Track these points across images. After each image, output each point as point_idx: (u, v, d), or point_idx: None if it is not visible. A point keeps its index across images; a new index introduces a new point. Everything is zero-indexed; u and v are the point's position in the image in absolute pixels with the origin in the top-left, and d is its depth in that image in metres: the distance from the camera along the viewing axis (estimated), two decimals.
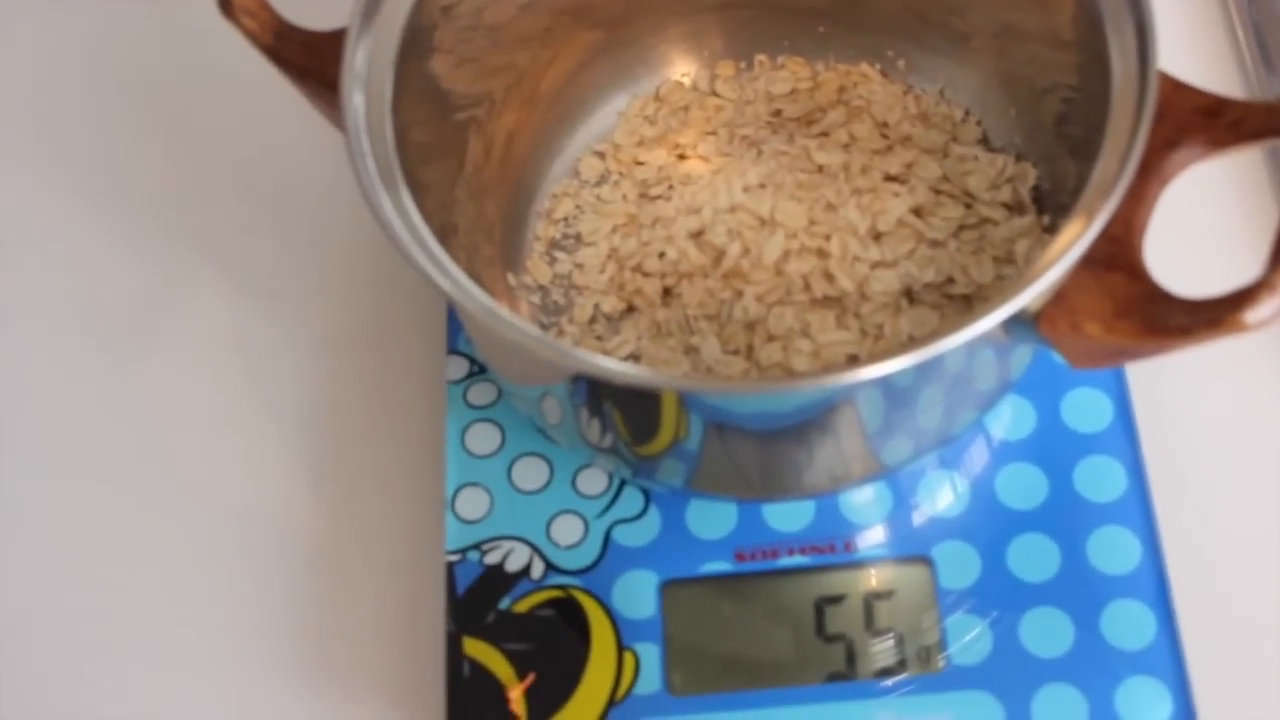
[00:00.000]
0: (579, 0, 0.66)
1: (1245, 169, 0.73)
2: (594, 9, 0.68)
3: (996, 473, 0.62)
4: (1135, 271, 0.50)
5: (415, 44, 0.58)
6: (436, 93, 0.61)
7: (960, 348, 0.47)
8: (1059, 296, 0.50)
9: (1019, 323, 0.49)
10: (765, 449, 0.56)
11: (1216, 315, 0.47)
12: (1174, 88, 0.53)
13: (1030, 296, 0.48)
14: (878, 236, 0.64)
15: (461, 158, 0.64)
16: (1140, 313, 0.49)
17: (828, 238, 0.64)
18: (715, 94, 0.72)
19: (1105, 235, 0.50)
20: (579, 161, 0.71)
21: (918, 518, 0.62)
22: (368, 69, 0.56)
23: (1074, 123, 0.61)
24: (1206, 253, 0.69)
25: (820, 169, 0.67)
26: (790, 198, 0.66)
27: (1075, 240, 0.49)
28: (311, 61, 0.58)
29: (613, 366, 0.48)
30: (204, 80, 0.80)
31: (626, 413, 0.55)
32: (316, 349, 0.72)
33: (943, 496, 0.62)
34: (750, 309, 0.63)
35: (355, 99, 0.54)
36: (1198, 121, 0.52)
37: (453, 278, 0.51)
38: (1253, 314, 0.46)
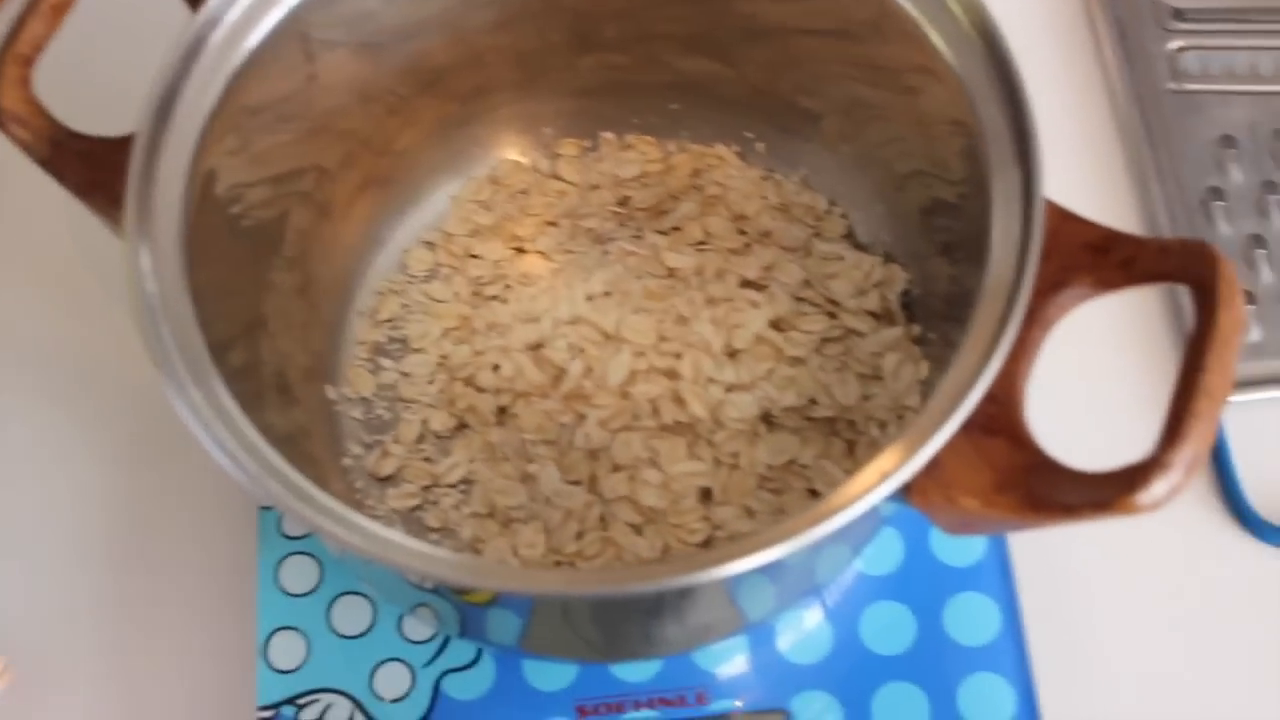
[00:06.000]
0: (427, 68, 0.60)
1: (1138, 305, 0.67)
2: (444, 80, 0.61)
3: (861, 612, 0.57)
4: (1017, 437, 0.45)
5: (216, 137, 0.51)
6: (239, 183, 0.54)
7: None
8: (933, 466, 0.45)
9: (888, 498, 0.44)
10: (608, 614, 0.50)
11: (1106, 495, 0.42)
12: (1060, 219, 0.48)
13: (903, 477, 0.43)
14: (733, 354, 0.59)
15: (279, 233, 0.58)
16: (1023, 486, 0.44)
17: (678, 356, 0.58)
18: (557, 176, 0.65)
19: (984, 395, 0.44)
20: (407, 254, 0.64)
21: (775, 665, 0.57)
22: (158, 181, 0.49)
23: (944, 217, 0.56)
24: (1096, 400, 0.64)
25: (671, 273, 0.61)
26: (638, 309, 0.60)
27: (952, 409, 0.44)
28: (95, 174, 0.51)
29: (423, 560, 0.42)
30: None
31: None
32: (107, 460, 0.65)
33: (802, 640, 0.57)
34: (593, 435, 0.57)
35: (142, 248, 0.47)
36: (1085, 259, 0.47)
37: (262, 467, 0.44)
38: (1145, 495, 0.42)
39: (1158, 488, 0.41)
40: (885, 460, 0.43)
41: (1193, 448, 0.42)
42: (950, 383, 0.45)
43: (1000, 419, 0.46)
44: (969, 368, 0.45)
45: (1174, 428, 0.42)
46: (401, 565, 0.42)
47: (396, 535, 0.43)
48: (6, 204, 0.71)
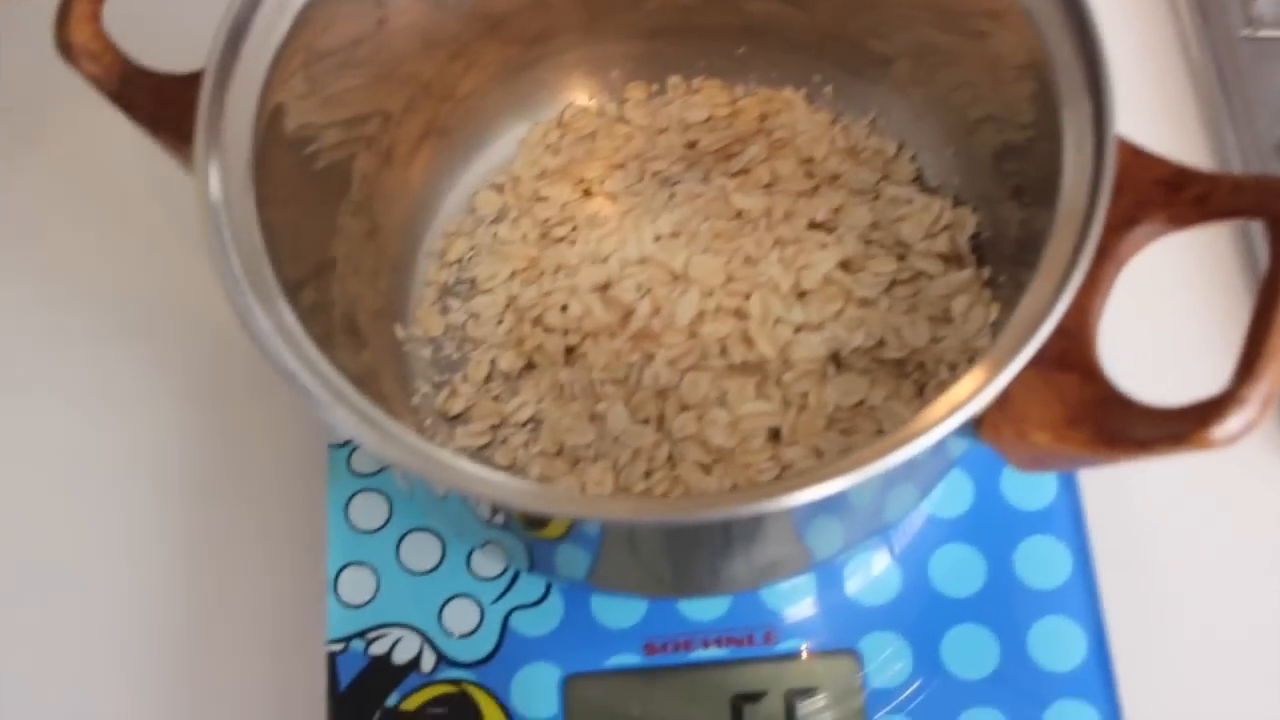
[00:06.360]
0: (492, 12, 0.60)
1: (1210, 245, 0.67)
2: (509, 23, 0.61)
3: (930, 555, 0.57)
4: (1089, 372, 0.45)
5: (284, 75, 0.51)
6: (309, 124, 0.54)
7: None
8: (1004, 400, 0.45)
9: (958, 430, 0.44)
10: (676, 548, 0.50)
11: (1179, 429, 0.42)
12: (1132, 155, 0.47)
13: (973, 409, 0.42)
14: (802, 295, 0.59)
15: (346, 177, 0.58)
16: (1094, 421, 0.44)
17: (747, 297, 0.58)
18: (624, 120, 0.66)
19: (1056, 329, 0.44)
20: (475, 196, 0.65)
21: (843, 605, 0.57)
22: (227, 114, 0.49)
23: (1015, 160, 0.55)
24: (1167, 341, 0.64)
25: (739, 215, 0.61)
26: (706, 249, 0.60)
27: (1024, 341, 0.43)
28: (164, 109, 0.51)
29: (494, 488, 0.42)
30: (65, 94, 0.72)
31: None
32: (176, 398, 0.66)
33: (870, 581, 0.57)
34: (661, 375, 0.57)
35: (210, 141, 0.48)
36: (1158, 195, 0.46)
37: (321, 383, 0.44)
38: (1220, 430, 0.41)
39: (1232, 423, 0.41)
40: (955, 393, 0.43)
41: (1269, 383, 0.41)
42: (1021, 316, 0.44)
43: (1072, 354, 0.45)
44: (1040, 301, 0.44)
45: (1249, 363, 0.42)
46: (474, 493, 0.42)
47: (467, 463, 0.43)
48: (84, 146, 0.72)
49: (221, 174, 0.48)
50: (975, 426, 0.45)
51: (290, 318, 0.46)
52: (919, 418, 0.43)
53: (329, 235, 0.57)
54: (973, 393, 0.43)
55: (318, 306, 0.53)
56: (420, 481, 0.50)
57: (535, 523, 0.49)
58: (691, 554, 0.50)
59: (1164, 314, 0.64)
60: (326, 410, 0.43)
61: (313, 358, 0.45)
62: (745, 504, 0.42)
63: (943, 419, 0.42)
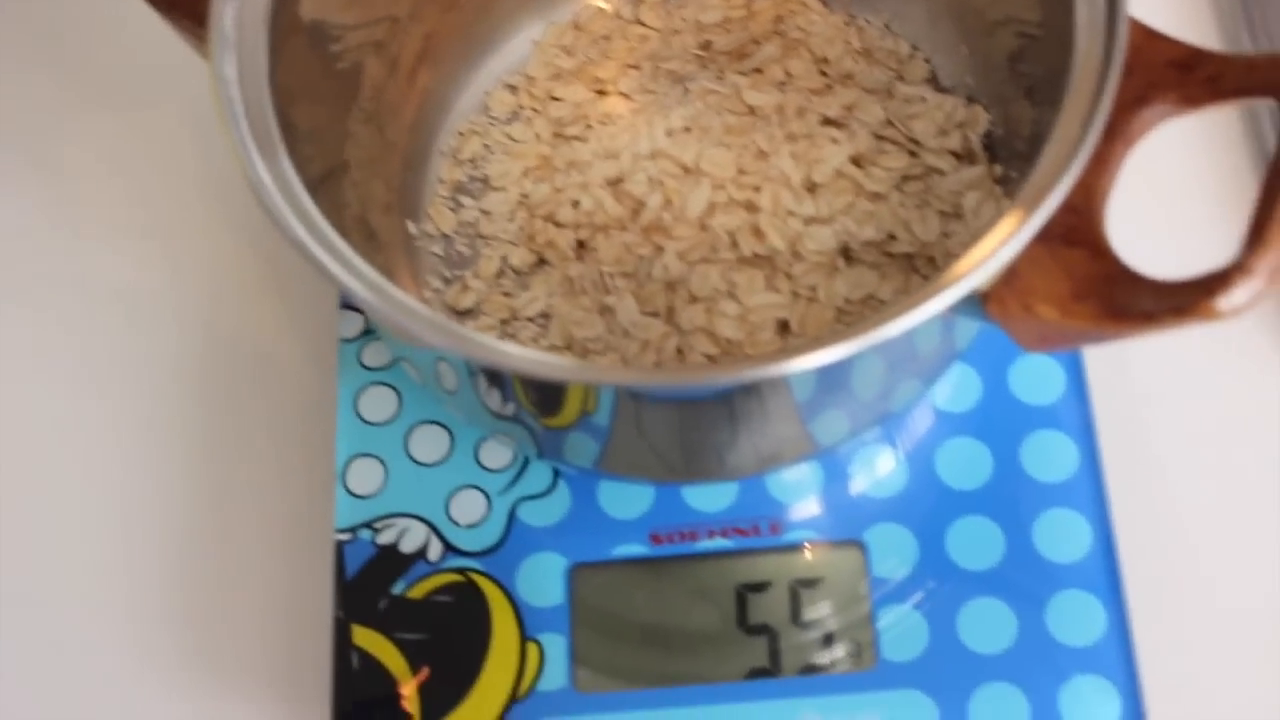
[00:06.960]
0: None
1: (1217, 128, 0.66)
2: None
3: (937, 448, 0.57)
4: (1097, 247, 0.45)
5: None
6: (323, 21, 0.54)
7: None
8: (1010, 275, 0.45)
9: (964, 304, 0.44)
10: (683, 429, 0.50)
11: (1185, 301, 0.42)
12: (1145, 37, 0.47)
13: (978, 280, 0.42)
14: (813, 189, 0.59)
15: (356, 83, 0.58)
16: (1101, 295, 0.44)
17: (758, 190, 0.58)
18: (640, 22, 0.66)
19: (1064, 205, 0.44)
20: (489, 96, 0.65)
21: (849, 497, 0.57)
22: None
23: (1030, 61, 0.55)
24: (1174, 224, 0.63)
25: (751, 111, 0.61)
26: (717, 144, 0.60)
27: (1030, 213, 0.43)
28: None
29: (512, 356, 0.43)
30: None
31: (528, 385, 0.49)
32: (192, 295, 0.66)
33: (877, 474, 0.57)
34: (671, 267, 0.57)
35: (225, 25, 0.48)
36: (1170, 76, 0.46)
37: (339, 263, 0.44)
38: (1225, 300, 0.41)
39: (1239, 293, 0.41)
40: (961, 266, 0.43)
41: (1276, 254, 0.41)
42: (1028, 192, 0.44)
43: (1080, 230, 0.45)
44: (1047, 177, 0.44)
45: (1257, 233, 0.41)
46: (493, 363, 0.42)
47: (484, 336, 0.43)
48: (99, 47, 0.72)
49: (237, 53, 0.48)
50: (982, 302, 0.45)
51: (312, 209, 0.46)
52: (924, 288, 0.43)
53: (341, 139, 0.57)
54: (978, 263, 0.43)
55: (332, 208, 0.53)
56: (431, 368, 0.51)
57: (546, 405, 0.49)
58: (697, 434, 0.50)
59: (1173, 196, 0.64)
60: (336, 276, 0.44)
61: (334, 241, 0.45)
62: (749, 368, 0.42)
63: (947, 287, 0.42)
